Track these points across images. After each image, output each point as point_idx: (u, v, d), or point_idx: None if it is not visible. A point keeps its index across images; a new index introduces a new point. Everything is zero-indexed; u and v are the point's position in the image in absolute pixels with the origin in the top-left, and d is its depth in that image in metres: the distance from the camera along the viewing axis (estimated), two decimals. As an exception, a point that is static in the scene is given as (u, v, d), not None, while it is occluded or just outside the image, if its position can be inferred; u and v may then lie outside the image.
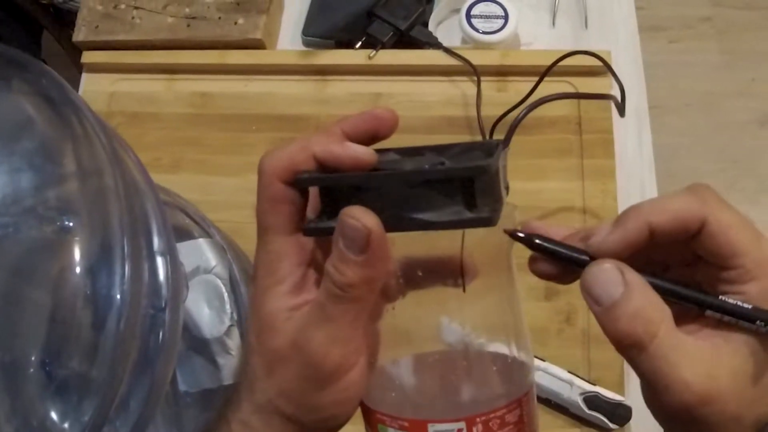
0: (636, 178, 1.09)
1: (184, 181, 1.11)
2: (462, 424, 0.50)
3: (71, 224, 0.68)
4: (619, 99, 0.85)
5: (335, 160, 0.49)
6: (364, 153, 0.49)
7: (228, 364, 0.86)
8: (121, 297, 0.63)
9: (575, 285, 0.97)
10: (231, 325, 0.86)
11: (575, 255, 0.48)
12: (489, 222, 0.46)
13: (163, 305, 0.70)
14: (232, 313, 0.87)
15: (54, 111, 0.69)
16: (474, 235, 0.49)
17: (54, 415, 0.69)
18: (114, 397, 0.63)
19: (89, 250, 0.67)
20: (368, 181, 0.48)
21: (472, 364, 0.53)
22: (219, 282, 0.88)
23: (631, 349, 0.46)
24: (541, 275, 0.51)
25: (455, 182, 0.46)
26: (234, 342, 0.86)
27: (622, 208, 1.05)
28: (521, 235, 0.49)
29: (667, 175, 1.09)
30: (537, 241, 0.49)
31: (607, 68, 1.06)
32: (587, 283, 0.48)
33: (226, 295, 0.88)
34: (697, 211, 0.45)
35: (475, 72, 1.11)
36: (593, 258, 0.47)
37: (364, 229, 0.46)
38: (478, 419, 0.50)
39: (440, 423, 0.50)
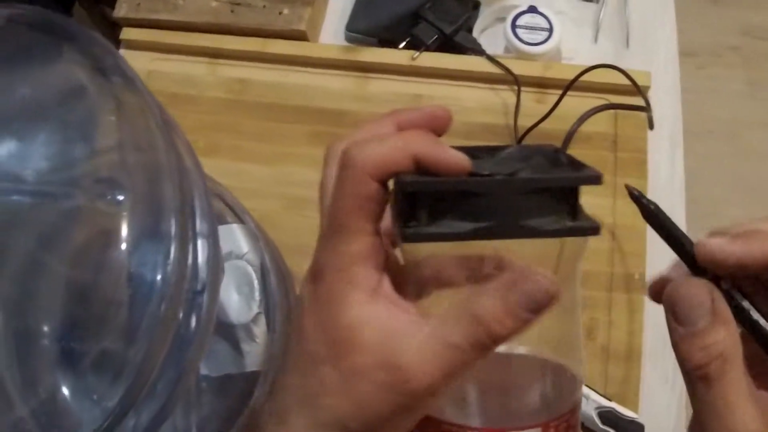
0: (666, 200, 1.09)
1: (219, 166, 1.12)
2: (538, 430, 0.50)
3: (120, 198, 0.67)
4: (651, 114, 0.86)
5: (437, 164, 0.46)
6: (464, 159, 0.46)
7: (252, 351, 0.86)
8: (163, 278, 0.63)
9: (601, 301, 0.97)
10: (259, 313, 0.86)
11: (684, 240, 0.47)
12: (597, 231, 0.46)
13: (201, 289, 0.70)
14: (260, 300, 0.87)
15: (107, 82, 0.69)
16: (551, 245, 0.48)
17: (67, 393, 0.69)
18: (146, 380, 0.62)
19: (136, 226, 0.67)
20: (482, 187, 0.46)
21: (538, 371, 0.52)
22: (250, 269, 0.89)
23: (696, 381, 0.44)
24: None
25: (562, 191, 0.46)
26: (260, 329, 0.86)
27: (650, 229, 1.05)
28: (644, 200, 0.49)
29: (687, 200, 1.10)
30: (653, 207, 0.49)
31: (627, 78, 1.07)
32: (673, 298, 0.45)
33: (256, 282, 0.88)
34: None
35: (516, 82, 1.11)
36: (696, 260, 0.46)
37: (548, 295, 0.44)
38: (551, 424, 0.50)
39: (517, 430, 0.50)
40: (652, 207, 0.48)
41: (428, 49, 1.15)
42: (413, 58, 1.15)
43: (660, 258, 1.05)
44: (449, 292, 0.51)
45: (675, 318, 0.45)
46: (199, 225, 0.70)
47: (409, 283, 0.50)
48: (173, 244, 0.62)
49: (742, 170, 2.36)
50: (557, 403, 0.51)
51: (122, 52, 1.25)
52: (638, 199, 0.49)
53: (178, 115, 1.16)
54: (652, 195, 1.06)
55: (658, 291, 0.49)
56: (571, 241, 0.48)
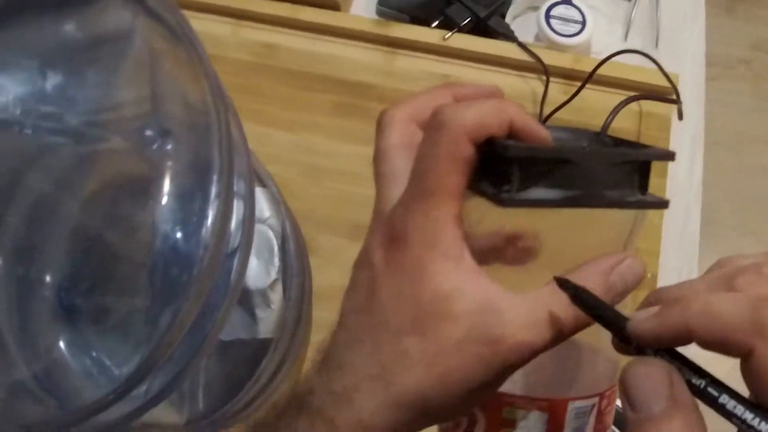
0: (682, 201, 1.09)
1: (240, 128, 1.11)
2: (596, 399, 0.51)
3: (167, 148, 0.67)
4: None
5: (531, 132, 0.46)
6: (546, 131, 0.46)
7: (266, 318, 0.85)
8: (203, 239, 0.61)
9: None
10: (276, 279, 0.86)
11: (617, 322, 0.43)
12: (666, 205, 0.48)
13: (231, 252, 0.69)
14: (279, 266, 0.87)
15: (166, 32, 0.68)
16: (625, 220, 0.50)
17: (63, 347, 0.68)
18: (171, 344, 0.60)
19: (182, 179, 0.66)
20: (580, 156, 0.46)
21: (591, 348, 0.53)
22: (271, 234, 0.88)
23: None
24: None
25: (640, 165, 0.47)
26: (276, 296, 0.86)
27: (666, 228, 1.06)
28: (568, 286, 0.45)
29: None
30: (582, 295, 0.44)
31: (652, 62, 1.07)
32: (628, 380, 0.39)
33: (276, 247, 0.87)
34: (744, 337, 0.37)
35: (545, 71, 1.11)
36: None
37: (641, 278, 0.45)
38: (606, 394, 0.51)
39: (580, 400, 0.50)
40: (577, 292, 0.45)
41: (460, 30, 1.15)
42: (445, 38, 1.14)
43: (673, 258, 1.05)
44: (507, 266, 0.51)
45: (630, 404, 0.39)
46: (236, 186, 0.69)
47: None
48: (217, 202, 0.61)
49: (741, 182, 2.37)
50: (610, 375, 0.52)
51: (149, 5, 1.24)
52: (563, 285, 0.45)
53: (203, 74, 1.16)
54: (669, 195, 1.07)
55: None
56: (640, 218, 0.50)
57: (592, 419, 0.52)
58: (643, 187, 0.48)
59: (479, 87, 0.52)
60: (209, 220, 0.62)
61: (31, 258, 0.71)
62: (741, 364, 0.38)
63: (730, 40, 2.59)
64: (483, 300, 0.44)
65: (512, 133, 0.45)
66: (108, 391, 0.58)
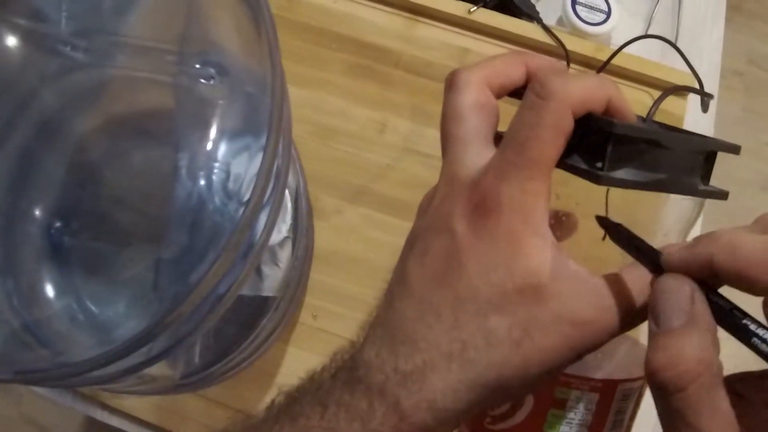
0: (688, 200, 1.09)
1: (253, 79, 1.10)
2: (641, 382, 0.52)
3: (223, 86, 0.65)
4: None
5: (625, 112, 0.46)
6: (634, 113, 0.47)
7: (272, 275, 0.83)
8: (246, 192, 0.60)
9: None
10: (287, 237, 0.85)
11: (652, 254, 0.43)
12: (726, 196, 0.49)
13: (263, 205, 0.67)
14: (290, 224, 0.86)
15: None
16: (692, 208, 0.53)
17: (50, 289, 0.67)
18: (197, 299, 0.59)
19: (230, 123, 0.65)
20: (671, 141, 0.46)
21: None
22: (287, 190, 0.87)
23: (657, 388, 0.38)
24: None
25: (704, 155, 0.49)
26: (285, 254, 0.85)
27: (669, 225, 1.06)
28: (607, 223, 0.47)
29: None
30: (620, 230, 0.46)
31: (679, 54, 1.07)
32: (654, 293, 0.40)
33: (290, 205, 0.86)
34: (765, 274, 0.37)
35: (566, 57, 1.11)
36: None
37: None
38: (643, 377, 0.52)
39: (629, 382, 0.51)
40: (616, 228, 0.47)
41: (486, 5, 1.14)
42: (470, 12, 1.13)
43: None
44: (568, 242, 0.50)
45: (653, 318, 0.40)
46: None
47: None
48: (265, 152, 0.60)
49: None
50: (642, 361, 0.52)
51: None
52: (602, 222, 0.47)
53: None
54: (672, 196, 1.07)
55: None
56: (699, 208, 0.53)
57: (632, 402, 0.52)
58: (707, 177, 0.49)
59: (552, 60, 0.51)
60: (249, 174, 0.61)
61: (23, 185, 0.69)
62: (763, 302, 0.40)
63: (724, 51, 2.60)
64: (572, 281, 0.43)
65: (608, 111, 0.45)
66: (109, 349, 0.57)
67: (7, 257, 0.67)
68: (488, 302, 0.43)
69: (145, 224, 0.71)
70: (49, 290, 0.69)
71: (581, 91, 0.43)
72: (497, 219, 0.43)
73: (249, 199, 0.59)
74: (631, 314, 0.43)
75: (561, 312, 0.42)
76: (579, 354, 0.44)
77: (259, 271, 0.83)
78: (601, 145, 0.44)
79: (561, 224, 0.52)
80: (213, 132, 0.65)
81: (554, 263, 0.43)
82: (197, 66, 0.67)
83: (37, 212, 0.69)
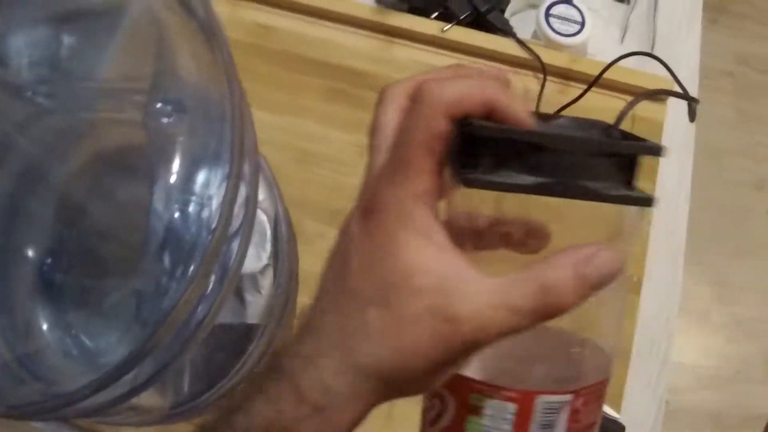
0: (671, 208, 1.10)
1: (231, 108, 1.10)
2: (570, 397, 0.49)
3: (182, 122, 0.66)
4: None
5: (509, 114, 0.45)
6: (530, 116, 0.46)
7: (255, 302, 0.84)
8: (208, 220, 0.61)
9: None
10: (267, 264, 0.85)
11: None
12: (651, 202, 0.45)
13: (232, 234, 0.68)
14: (270, 251, 0.86)
15: (184, 11, 0.68)
16: (608, 216, 0.49)
17: (44, 325, 0.67)
18: (171, 329, 0.60)
19: (192, 156, 0.65)
20: (554, 141, 0.44)
21: (573, 342, 0.52)
22: (264, 217, 0.87)
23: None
24: None
25: (624, 159, 0.45)
26: (266, 281, 0.85)
27: (654, 232, 1.07)
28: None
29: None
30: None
31: (660, 63, 1.07)
32: None
33: (269, 231, 0.87)
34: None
35: (543, 70, 1.11)
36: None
37: (617, 273, 0.43)
38: (582, 392, 0.50)
39: (551, 395, 0.49)
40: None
41: (459, 23, 1.14)
42: (443, 30, 1.14)
43: (657, 266, 1.05)
44: (488, 252, 0.51)
45: None
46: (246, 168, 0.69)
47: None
48: (228, 181, 0.61)
49: (714, 195, 2.39)
50: (589, 373, 0.51)
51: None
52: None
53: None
54: (659, 202, 1.07)
55: None
56: (636, 219, 0.50)
57: (563, 417, 0.50)
58: (628, 182, 0.46)
59: (485, 70, 0.51)
60: (215, 202, 0.62)
61: (12, 228, 0.70)
62: None
63: (714, 52, 2.60)
64: (447, 278, 0.43)
65: (492, 114, 0.45)
66: (95, 377, 0.57)
67: (0, 296, 0.68)
68: (366, 297, 0.45)
69: (127, 256, 0.71)
70: (43, 324, 0.69)
71: (453, 93, 0.44)
72: (378, 220, 0.45)
73: (215, 227, 0.60)
74: (515, 316, 0.43)
75: (429, 307, 0.43)
76: (458, 351, 0.44)
77: (242, 299, 0.84)
78: (475, 147, 0.44)
79: (531, 235, 0.52)
80: (177, 165, 0.66)
81: (431, 262, 0.44)
82: (158, 105, 0.67)
83: (29, 252, 0.69)
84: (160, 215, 0.67)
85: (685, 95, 0.92)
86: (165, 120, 0.67)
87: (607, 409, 0.94)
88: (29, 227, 0.70)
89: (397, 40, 1.17)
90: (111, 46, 0.68)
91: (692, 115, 0.94)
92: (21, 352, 0.67)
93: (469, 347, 0.44)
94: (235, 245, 0.67)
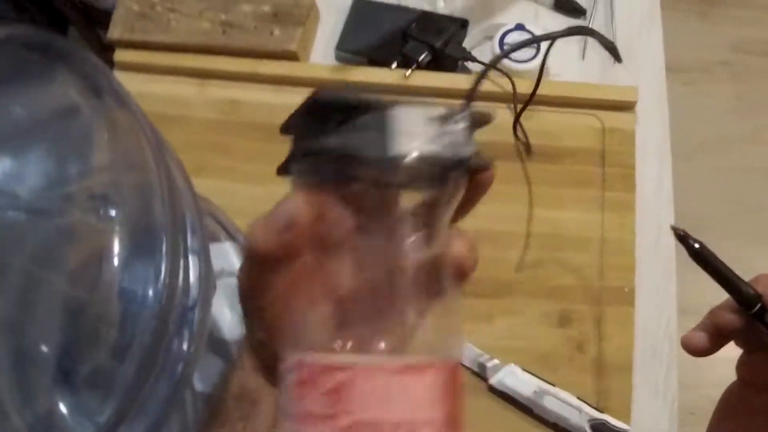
0: (653, 215, 1.10)
1: (210, 186, 1.12)
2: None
3: (112, 214, 0.68)
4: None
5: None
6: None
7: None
8: (154, 295, 0.63)
9: (590, 314, 0.98)
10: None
11: (739, 283, 0.44)
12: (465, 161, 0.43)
13: (192, 305, 0.71)
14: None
15: (100, 101, 0.70)
16: None
17: (64, 409, 0.69)
18: (137, 396, 0.62)
19: (128, 242, 0.67)
20: (378, 102, 0.43)
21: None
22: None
23: None
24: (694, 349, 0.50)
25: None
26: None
27: (639, 242, 1.07)
28: (689, 240, 0.47)
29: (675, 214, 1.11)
30: (697, 246, 0.46)
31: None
32: None
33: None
34: None
35: (513, 94, 1.12)
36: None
37: (291, 217, 0.46)
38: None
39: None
40: (697, 247, 0.47)
41: (420, 66, 1.16)
42: (406, 77, 1.15)
43: (649, 272, 1.06)
44: None
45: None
46: (191, 242, 0.70)
47: None
48: (165, 260, 0.63)
49: (727, 185, 2.38)
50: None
51: (116, 73, 1.26)
52: (683, 239, 0.48)
53: (169, 135, 1.17)
54: (640, 209, 1.08)
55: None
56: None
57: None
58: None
59: None
60: (161, 276, 0.64)
61: (23, 329, 0.72)
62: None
63: (706, 45, 2.60)
64: None
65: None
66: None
67: (23, 392, 0.70)
68: None
69: (122, 339, 0.73)
70: (64, 411, 0.71)
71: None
72: None
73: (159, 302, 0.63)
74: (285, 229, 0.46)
75: None
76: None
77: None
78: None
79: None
80: (116, 251, 0.68)
81: None
82: (91, 200, 0.69)
83: (44, 347, 0.71)
84: (120, 296, 0.69)
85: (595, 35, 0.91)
86: (100, 212, 0.69)
87: (617, 423, 0.94)
88: (41, 324, 0.72)
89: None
90: (49, 153, 0.71)
91: (617, 57, 0.94)
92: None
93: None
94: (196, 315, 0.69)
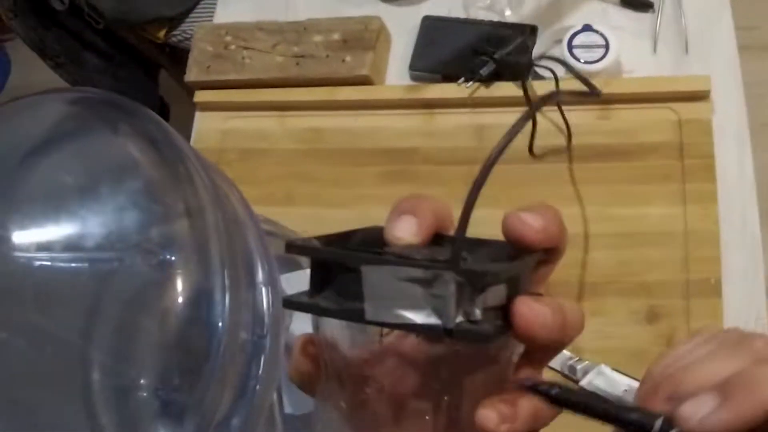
0: (737, 202, 1.09)
1: (298, 214, 1.16)
2: None
3: (173, 258, 0.72)
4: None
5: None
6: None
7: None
8: (222, 325, 0.67)
9: (678, 309, 0.98)
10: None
11: (640, 418, 0.38)
12: (485, 339, 0.39)
13: (265, 332, 0.74)
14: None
15: (158, 154, 0.74)
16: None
17: None
18: (212, 417, 0.66)
19: (191, 282, 0.71)
20: (350, 260, 0.41)
21: None
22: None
23: None
24: None
25: (441, 283, 0.39)
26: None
27: (723, 233, 1.07)
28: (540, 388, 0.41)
29: (759, 198, 1.09)
30: (554, 392, 0.40)
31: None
32: None
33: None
34: None
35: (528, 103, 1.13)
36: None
37: None
38: None
39: None
40: (555, 393, 0.40)
41: (482, 79, 1.18)
42: (467, 88, 1.18)
43: (735, 261, 1.05)
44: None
45: None
46: (260, 274, 0.74)
47: None
48: (227, 294, 0.66)
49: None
50: None
51: (198, 114, 1.31)
52: (535, 390, 0.41)
53: (254, 169, 1.23)
54: (722, 198, 1.07)
55: None
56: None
57: None
58: (466, 309, 0.39)
59: None
60: (225, 308, 0.67)
61: (120, 369, 0.76)
62: None
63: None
64: None
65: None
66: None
67: (124, 426, 0.74)
68: None
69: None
70: None
71: None
72: None
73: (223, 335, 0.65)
74: None
75: None
76: None
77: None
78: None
79: None
80: (180, 291, 0.72)
81: None
82: (149, 246, 0.74)
83: (142, 380, 0.75)
84: (193, 332, 0.73)
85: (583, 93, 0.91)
86: (161, 258, 0.73)
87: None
88: (137, 361, 0.76)
89: (436, 110, 1.21)
90: (106, 208, 0.75)
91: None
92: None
93: None
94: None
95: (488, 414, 0.40)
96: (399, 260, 0.40)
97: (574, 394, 0.40)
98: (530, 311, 0.40)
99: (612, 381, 0.98)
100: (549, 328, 0.40)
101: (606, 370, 0.99)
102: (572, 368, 1.00)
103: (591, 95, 0.48)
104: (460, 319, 0.38)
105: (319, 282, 0.43)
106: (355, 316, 0.40)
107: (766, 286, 1.04)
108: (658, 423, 0.37)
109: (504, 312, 0.40)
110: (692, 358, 0.42)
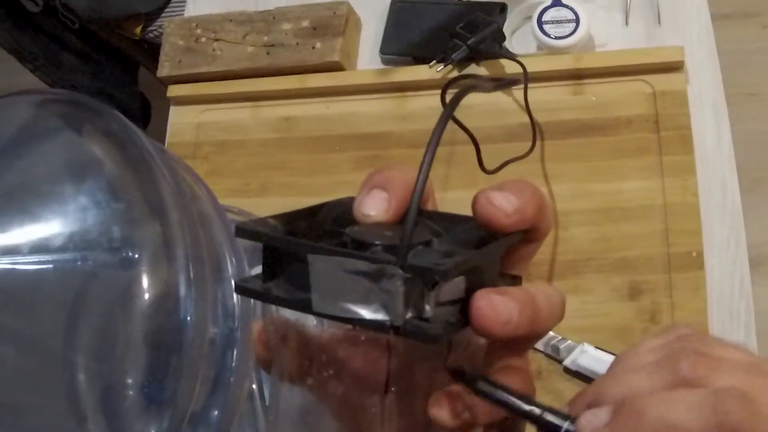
0: (717, 172, 1.08)
1: (273, 204, 1.14)
2: None
3: (137, 256, 0.71)
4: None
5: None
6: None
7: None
8: (190, 320, 0.67)
9: (660, 284, 0.97)
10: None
11: (549, 420, 0.39)
12: (433, 340, 0.37)
13: (236, 325, 0.74)
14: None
15: (122, 153, 0.73)
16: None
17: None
18: (186, 410, 0.67)
19: (156, 279, 0.71)
20: (295, 248, 0.40)
21: None
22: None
23: None
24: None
25: (389, 277, 0.37)
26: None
27: (703, 204, 1.05)
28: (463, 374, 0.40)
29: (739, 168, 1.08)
30: (480, 385, 0.40)
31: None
32: None
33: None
34: None
35: (524, 78, 1.11)
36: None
37: None
38: None
39: None
40: (477, 386, 0.40)
41: (453, 62, 1.17)
42: (437, 72, 1.17)
43: (717, 232, 1.04)
44: None
45: None
46: (229, 268, 0.74)
47: None
48: (193, 289, 0.66)
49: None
50: None
51: (172, 108, 1.30)
52: (456, 373, 0.41)
53: (229, 161, 1.22)
54: (700, 168, 1.06)
55: None
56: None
57: None
58: (417, 305, 0.37)
59: None
60: (191, 309, 0.67)
61: (113, 364, 0.76)
62: None
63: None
64: None
65: None
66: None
67: (111, 423, 0.73)
68: None
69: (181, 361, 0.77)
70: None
71: None
72: None
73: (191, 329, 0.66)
74: None
75: None
76: None
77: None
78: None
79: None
80: (146, 288, 0.71)
81: None
82: (109, 248, 0.73)
83: (129, 380, 0.75)
84: (160, 328, 0.73)
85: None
86: (124, 255, 0.73)
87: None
88: (126, 361, 0.75)
89: (409, 93, 1.20)
90: (70, 207, 0.75)
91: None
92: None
93: None
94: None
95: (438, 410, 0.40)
96: (345, 251, 0.38)
97: (497, 390, 0.39)
98: (489, 307, 0.38)
99: (596, 359, 0.97)
100: (514, 324, 0.38)
101: (589, 348, 0.98)
102: (555, 348, 0.99)
103: (508, 84, 0.47)
104: (409, 315, 0.37)
105: (272, 267, 0.42)
106: (304, 306, 0.39)
107: (748, 254, 1.03)
108: (566, 425, 0.38)
109: (464, 305, 0.39)
110: (626, 366, 0.42)
